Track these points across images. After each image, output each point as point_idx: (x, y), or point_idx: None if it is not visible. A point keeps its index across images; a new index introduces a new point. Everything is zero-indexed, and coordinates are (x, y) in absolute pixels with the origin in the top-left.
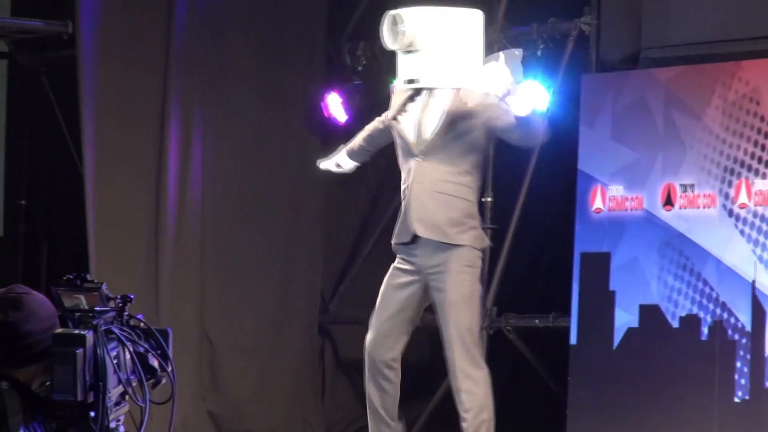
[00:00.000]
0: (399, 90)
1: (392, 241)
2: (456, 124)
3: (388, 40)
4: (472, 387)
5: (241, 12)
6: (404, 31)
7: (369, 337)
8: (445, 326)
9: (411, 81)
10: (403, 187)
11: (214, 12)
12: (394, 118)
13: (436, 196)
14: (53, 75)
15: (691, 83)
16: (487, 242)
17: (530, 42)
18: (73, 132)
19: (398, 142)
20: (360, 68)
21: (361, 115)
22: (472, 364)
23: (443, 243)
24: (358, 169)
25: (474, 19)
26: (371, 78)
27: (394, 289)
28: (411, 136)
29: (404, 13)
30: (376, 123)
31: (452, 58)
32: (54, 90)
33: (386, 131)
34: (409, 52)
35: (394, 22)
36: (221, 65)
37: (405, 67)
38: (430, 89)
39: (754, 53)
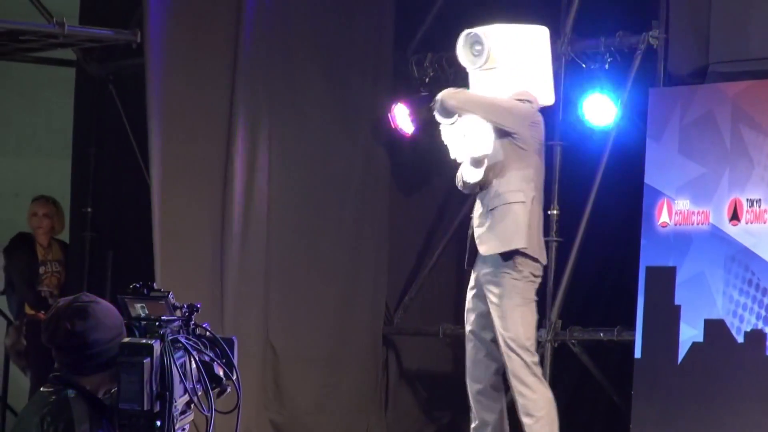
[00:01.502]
0: None
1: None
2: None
3: (466, 60)
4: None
5: (308, 23)
6: (483, 49)
7: None
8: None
9: None
10: None
11: (281, 23)
12: None
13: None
14: (120, 84)
15: (758, 98)
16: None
17: (598, 55)
18: (139, 141)
19: None
20: (427, 80)
21: (428, 127)
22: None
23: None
24: (424, 179)
25: (543, 35)
26: (438, 89)
27: None
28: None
29: (481, 32)
30: None
31: (526, 75)
32: (121, 99)
33: None
34: (485, 69)
35: (473, 41)
36: (288, 76)
37: (480, 85)
38: None
39: None
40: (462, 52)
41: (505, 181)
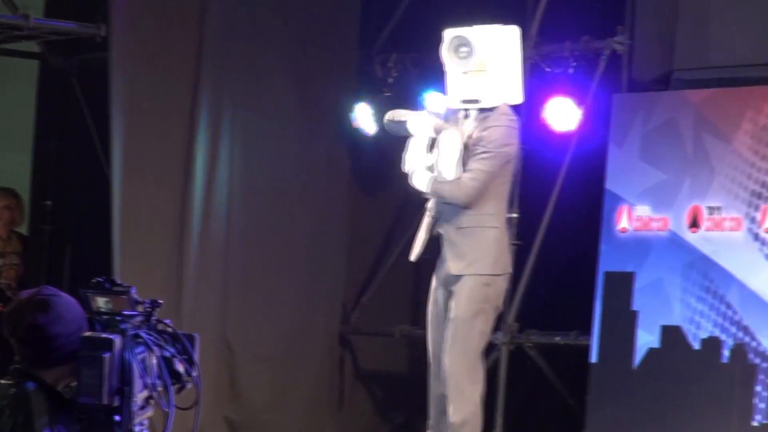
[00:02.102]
0: (446, 108)
1: None
2: (477, 143)
3: (452, 63)
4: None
5: (273, 20)
6: (471, 52)
7: None
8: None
9: (471, 101)
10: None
11: (246, 19)
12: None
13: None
14: (84, 77)
15: (722, 106)
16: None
17: (562, 59)
18: (101, 134)
19: None
20: (391, 80)
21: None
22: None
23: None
24: (384, 179)
25: (516, 34)
26: (402, 90)
27: None
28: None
29: (467, 33)
30: None
31: (506, 78)
32: (84, 92)
33: None
34: (471, 72)
35: (459, 44)
36: (252, 72)
37: (462, 87)
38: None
39: None
40: (447, 54)
41: (485, 196)
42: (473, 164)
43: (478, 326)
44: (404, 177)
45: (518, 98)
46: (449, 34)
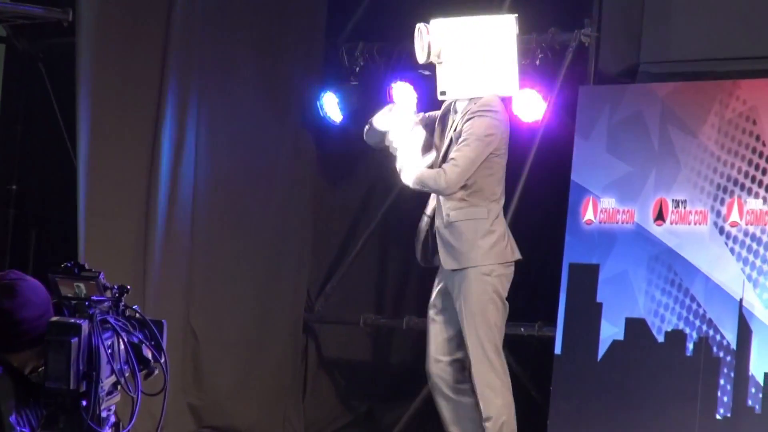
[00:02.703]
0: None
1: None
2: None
3: (416, 52)
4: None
5: (241, 8)
6: (425, 43)
7: None
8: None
9: (441, 93)
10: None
11: (213, 7)
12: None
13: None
14: (51, 62)
15: (688, 100)
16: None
17: (529, 51)
18: (67, 120)
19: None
20: (357, 69)
21: (356, 117)
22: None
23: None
24: (350, 169)
25: (507, 24)
26: (368, 79)
27: None
28: (437, 161)
29: (429, 25)
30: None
31: (481, 69)
32: (50, 77)
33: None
34: (436, 63)
35: (420, 35)
36: (219, 59)
37: (439, 79)
38: (467, 101)
39: (753, 72)
40: (415, 45)
41: (472, 188)
42: (453, 153)
43: (489, 319)
44: (371, 166)
45: (508, 89)
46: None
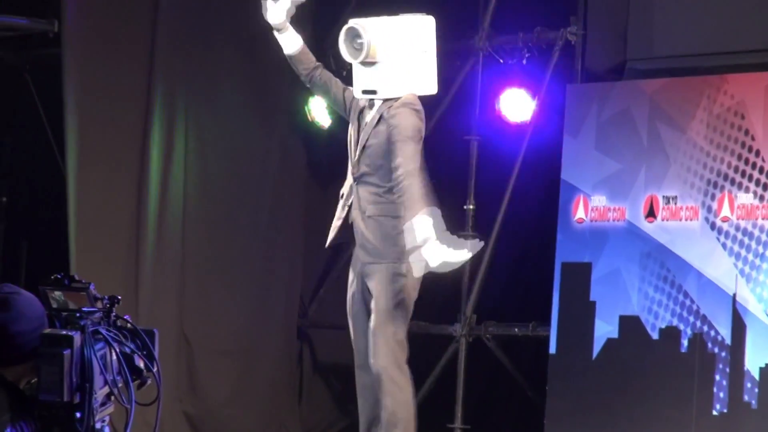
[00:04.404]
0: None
1: None
2: (378, 132)
3: (347, 54)
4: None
5: (226, 15)
6: (364, 43)
7: None
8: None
9: (369, 92)
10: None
11: (199, 13)
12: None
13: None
14: (37, 73)
15: (676, 96)
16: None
17: (516, 50)
18: (55, 130)
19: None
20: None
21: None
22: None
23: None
24: (341, 173)
25: (427, 24)
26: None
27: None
28: (353, 154)
29: (362, 25)
30: (341, 86)
31: (408, 68)
32: (37, 88)
33: (338, 99)
34: (367, 63)
35: (354, 35)
36: (205, 67)
37: (362, 78)
38: (382, 101)
39: (740, 67)
40: (343, 46)
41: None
42: (397, 159)
43: (399, 317)
44: None
45: (430, 88)
46: (347, 25)
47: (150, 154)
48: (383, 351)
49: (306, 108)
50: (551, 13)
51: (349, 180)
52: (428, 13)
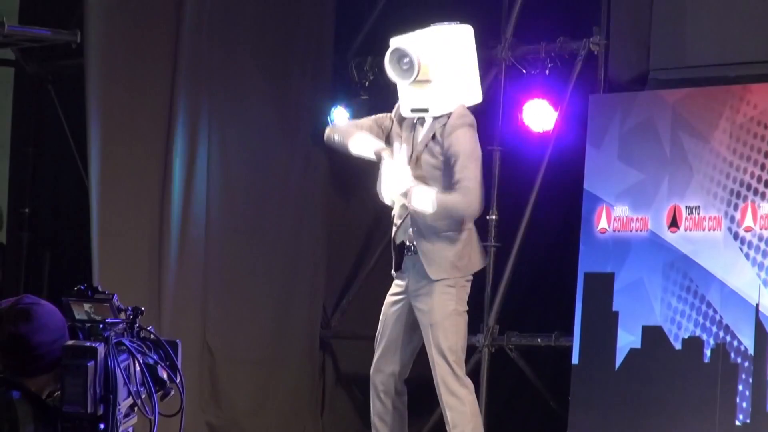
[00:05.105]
0: (401, 116)
1: None
2: (433, 150)
3: (396, 76)
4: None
5: (249, 24)
6: (413, 63)
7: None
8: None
9: (420, 110)
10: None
11: (222, 24)
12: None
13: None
14: (60, 84)
15: (699, 105)
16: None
17: (538, 60)
18: (78, 141)
19: None
20: (367, 83)
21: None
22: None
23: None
24: (363, 183)
25: (466, 33)
26: (378, 93)
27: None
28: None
29: (407, 44)
30: (374, 122)
31: (456, 81)
32: (60, 99)
33: (380, 135)
34: (417, 82)
35: (400, 56)
36: (228, 77)
37: (411, 96)
38: (434, 117)
39: (763, 76)
40: (390, 68)
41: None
42: (459, 174)
43: (458, 329)
44: None
45: (476, 98)
46: (391, 45)
47: (173, 164)
48: (441, 364)
49: (329, 117)
50: (574, 23)
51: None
52: (448, 22)
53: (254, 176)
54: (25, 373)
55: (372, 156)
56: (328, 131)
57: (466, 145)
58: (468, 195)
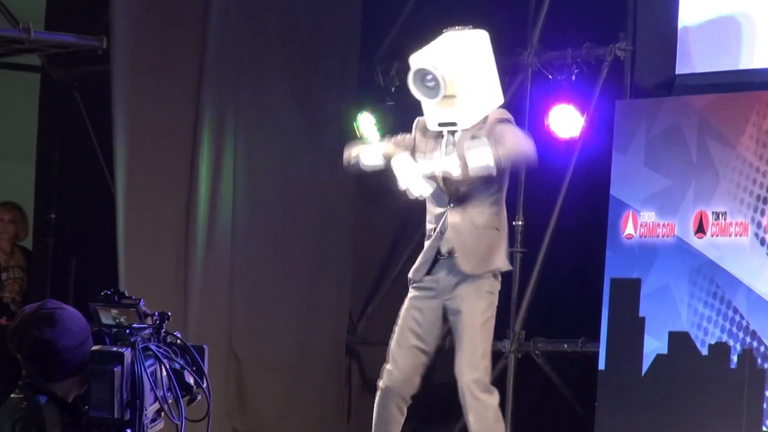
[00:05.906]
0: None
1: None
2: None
3: (422, 94)
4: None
5: (276, 29)
6: (439, 81)
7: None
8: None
9: (448, 124)
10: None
11: (248, 29)
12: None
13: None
14: (85, 89)
15: (725, 111)
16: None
17: (564, 66)
18: (104, 147)
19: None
20: (393, 89)
21: (393, 136)
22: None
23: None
24: (389, 188)
25: (483, 37)
26: (404, 99)
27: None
28: (440, 182)
29: (428, 62)
30: (402, 141)
31: (479, 91)
32: (86, 105)
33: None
34: (446, 98)
35: (423, 75)
36: (255, 83)
37: (437, 111)
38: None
39: None
40: (415, 88)
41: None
42: (502, 138)
43: (488, 334)
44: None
45: (499, 100)
46: (413, 64)
47: (199, 170)
48: (471, 369)
49: (355, 124)
50: (600, 29)
51: (435, 210)
52: (478, 29)
53: (280, 182)
54: (51, 377)
55: (381, 162)
56: (345, 156)
57: (510, 128)
58: (518, 135)
